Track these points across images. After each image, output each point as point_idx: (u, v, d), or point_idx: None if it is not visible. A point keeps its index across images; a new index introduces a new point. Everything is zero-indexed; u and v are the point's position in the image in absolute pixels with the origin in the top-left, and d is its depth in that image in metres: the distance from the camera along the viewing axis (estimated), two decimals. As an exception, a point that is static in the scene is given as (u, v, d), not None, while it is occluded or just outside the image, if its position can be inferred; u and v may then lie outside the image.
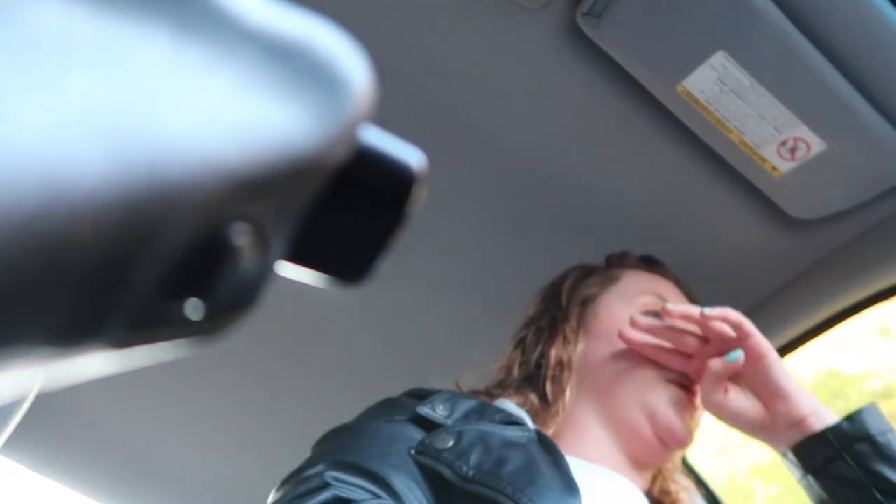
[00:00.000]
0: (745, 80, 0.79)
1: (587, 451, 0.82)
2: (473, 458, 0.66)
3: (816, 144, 0.83)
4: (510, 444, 0.69)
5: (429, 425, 0.72)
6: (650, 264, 0.98)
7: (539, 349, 0.89)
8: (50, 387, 0.17)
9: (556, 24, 0.83)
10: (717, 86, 0.80)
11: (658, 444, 0.82)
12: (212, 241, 0.16)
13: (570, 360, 0.87)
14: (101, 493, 1.57)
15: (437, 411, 0.74)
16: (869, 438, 0.75)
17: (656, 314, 0.88)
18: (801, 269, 1.02)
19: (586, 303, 0.92)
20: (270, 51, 0.17)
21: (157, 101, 0.14)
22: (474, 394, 0.85)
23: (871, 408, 0.78)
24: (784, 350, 1.10)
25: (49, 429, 1.43)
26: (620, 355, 0.86)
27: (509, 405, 0.80)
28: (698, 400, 0.85)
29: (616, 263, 0.99)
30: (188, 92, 0.15)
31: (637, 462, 0.84)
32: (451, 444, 0.67)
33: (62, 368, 0.15)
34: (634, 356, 0.85)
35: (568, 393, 0.84)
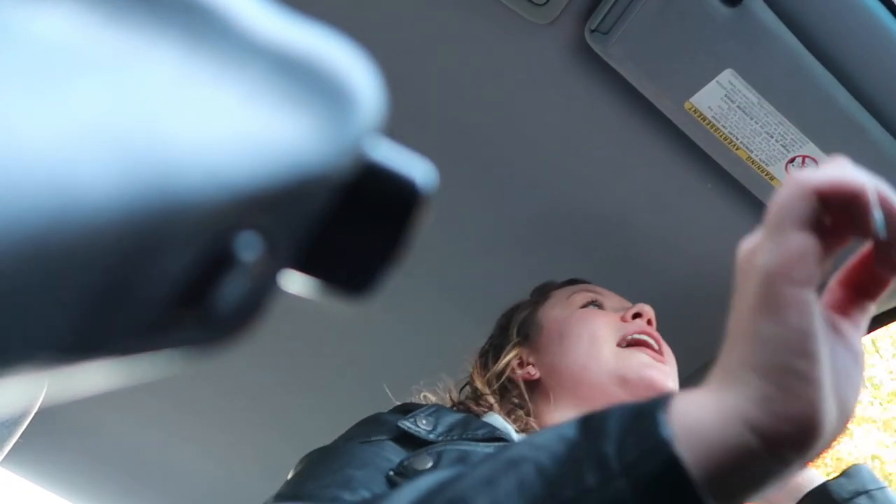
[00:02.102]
0: (752, 97, 0.79)
1: None
2: None
3: (825, 162, 0.83)
4: None
5: (412, 440, 0.72)
6: (573, 282, 1.02)
7: (497, 370, 0.92)
8: (56, 398, 0.17)
9: (565, 40, 0.83)
10: (724, 103, 0.80)
11: None
12: (218, 253, 0.16)
13: (518, 378, 0.90)
14: (103, 505, 1.57)
15: (419, 425, 0.74)
16: (867, 492, 0.78)
17: (596, 303, 0.94)
18: (809, 287, 1.01)
19: (525, 323, 0.97)
20: (279, 64, 0.17)
21: (166, 113, 0.14)
22: (460, 405, 0.87)
23: (863, 466, 0.82)
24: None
25: (51, 441, 1.42)
26: (573, 345, 0.88)
27: (496, 419, 0.81)
28: (665, 356, 0.87)
29: (541, 291, 1.03)
30: (196, 105, 0.15)
31: None
32: (430, 465, 0.67)
33: (69, 379, 0.15)
34: (583, 338, 0.88)
35: (535, 401, 0.87)
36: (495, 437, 0.74)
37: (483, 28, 0.84)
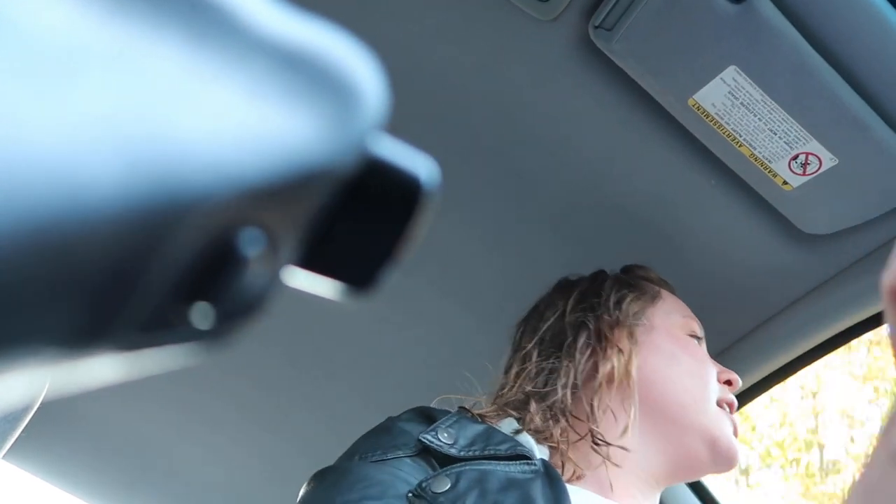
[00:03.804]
0: (756, 94, 0.79)
1: (615, 473, 0.79)
2: None
3: (828, 160, 0.83)
4: (511, 483, 0.68)
5: (433, 454, 0.71)
6: (670, 287, 0.99)
7: (574, 359, 0.84)
8: (59, 392, 0.17)
9: (568, 36, 0.83)
10: (728, 100, 0.80)
11: (712, 466, 0.83)
12: (221, 247, 0.16)
13: (614, 372, 0.83)
14: (106, 500, 1.57)
15: (440, 439, 0.72)
16: None
17: (700, 342, 0.91)
18: (812, 284, 1.02)
19: (637, 315, 0.89)
20: (283, 59, 0.17)
21: (170, 108, 0.14)
22: (482, 416, 0.82)
23: None
24: (791, 367, 1.09)
25: (55, 435, 1.43)
26: (682, 375, 0.84)
27: (519, 432, 0.78)
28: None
29: (645, 278, 0.97)
30: (200, 99, 0.15)
31: (675, 478, 0.84)
32: (447, 487, 0.66)
33: (72, 373, 0.15)
34: (695, 376, 0.85)
35: (602, 406, 0.82)
36: (518, 453, 0.72)
37: (486, 24, 0.84)
